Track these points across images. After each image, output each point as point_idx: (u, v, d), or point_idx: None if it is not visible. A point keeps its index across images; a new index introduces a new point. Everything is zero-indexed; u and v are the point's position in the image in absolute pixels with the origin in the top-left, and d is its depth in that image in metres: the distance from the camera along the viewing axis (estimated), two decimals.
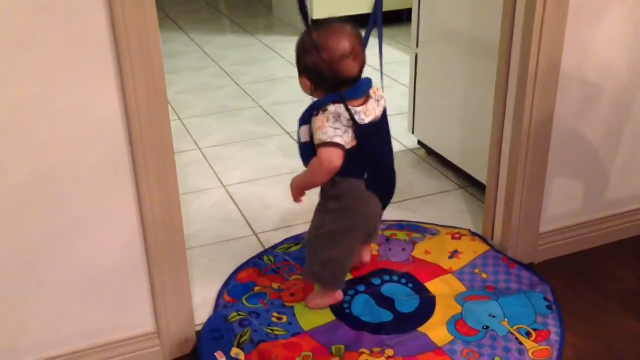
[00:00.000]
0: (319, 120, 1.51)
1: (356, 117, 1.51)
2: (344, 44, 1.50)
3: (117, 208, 1.45)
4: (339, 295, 1.75)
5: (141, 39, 1.31)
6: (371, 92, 1.58)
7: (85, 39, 1.29)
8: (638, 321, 1.75)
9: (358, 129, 1.52)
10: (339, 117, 1.50)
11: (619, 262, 2.00)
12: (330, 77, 1.50)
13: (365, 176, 1.61)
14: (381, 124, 1.59)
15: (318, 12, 4.24)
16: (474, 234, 2.07)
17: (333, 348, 1.62)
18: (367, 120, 1.54)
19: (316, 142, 1.52)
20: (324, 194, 1.66)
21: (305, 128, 1.56)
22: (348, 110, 1.50)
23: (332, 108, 1.50)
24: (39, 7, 1.24)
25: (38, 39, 1.26)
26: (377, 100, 1.59)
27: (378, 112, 1.57)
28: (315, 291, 1.78)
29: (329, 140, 1.49)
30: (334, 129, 1.49)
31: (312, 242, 1.70)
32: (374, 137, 1.58)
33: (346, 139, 1.51)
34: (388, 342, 1.63)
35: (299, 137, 1.59)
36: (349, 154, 1.53)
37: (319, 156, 1.52)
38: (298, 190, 1.66)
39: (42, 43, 1.27)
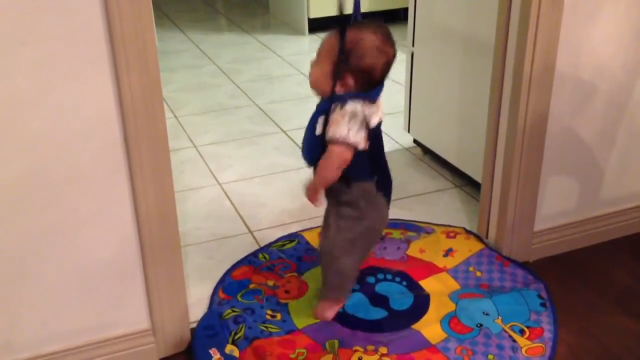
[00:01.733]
0: (338, 114, 1.48)
1: (367, 118, 1.50)
2: (394, 50, 1.52)
3: (112, 205, 1.45)
4: (343, 300, 1.75)
5: (136, 34, 1.31)
6: None
7: (80, 34, 1.29)
8: (631, 319, 1.76)
9: (369, 131, 1.52)
10: (356, 115, 1.48)
11: (613, 261, 2.00)
12: (379, 79, 1.51)
13: (375, 178, 1.60)
14: (379, 125, 1.59)
15: (314, 11, 4.24)
16: (468, 232, 2.08)
17: (327, 344, 1.62)
18: (373, 122, 1.53)
19: (329, 134, 1.49)
20: (335, 201, 1.62)
21: (321, 119, 1.51)
22: (363, 109, 1.49)
23: (350, 106, 1.48)
24: (34, 2, 1.24)
25: (33, 34, 1.26)
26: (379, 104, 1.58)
27: (381, 114, 1.57)
28: (322, 304, 1.73)
29: (340, 137, 1.47)
30: (348, 128, 1.47)
31: (329, 253, 1.64)
32: (378, 138, 1.58)
33: (358, 137, 1.49)
34: (382, 339, 1.64)
35: (311, 129, 1.55)
36: (362, 156, 1.52)
37: (330, 150, 1.49)
38: (314, 191, 1.59)
39: (37, 38, 1.26)
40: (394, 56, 1.53)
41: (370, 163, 1.58)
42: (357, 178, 1.56)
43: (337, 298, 1.72)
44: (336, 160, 1.51)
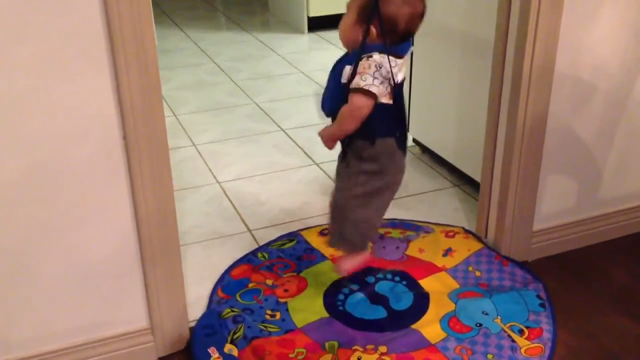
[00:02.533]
0: (364, 64, 1.50)
1: (394, 71, 1.52)
2: (423, 4, 1.55)
3: (111, 203, 1.45)
4: (367, 255, 1.73)
5: (136, 33, 1.31)
6: None
7: (80, 32, 1.29)
8: (630, 319, 1.76)
9: (395, 86, 1.54)
10: (381, 67, 1.50)
11: (611, 261, 2.00)
12: (404, 31, 1.53)
13: (397, 134, 1.61)
14: (403, 83, 1.61)
15: (314, 9, 4.24)
16: (467, 232, 2.07)
17: (326, 344, 1.62)
18: (399, 78, 1.56)
19: (353, 85, 1.50)
20: (356, 155, 1.60)
21: (348, 68, 1.53)
22: (390, 64, 1.51)
23: (377, 57, 1.50)
24: (33, 0, 1.23)
25: (32, 32, 1.26)
26: (405, 61, 1.61)
27: (405, 72, 1.60)
28: (342, 256, 1.72)
29: (365, 87, 1.49)
30: (373, 78, 1.50)
31: (341, 205, 1.64)
32: (401, 96, 1.60)
33: (381, 90, 1.51)
34: (381, 339, 1.64)
35: (335, 78, 1.56)
36: (387, 112, 1.54)
37: (351, 101, 1.51)
38: (331, 139, 1.62)
39: (36, 36, 1.26)
40: (422, 11, 1.55)
41: (395, 119, 1.59)
42: (382, 134, 1.57)
43: (356, 251, 1.70)
44: (355, 112, 1.52)
